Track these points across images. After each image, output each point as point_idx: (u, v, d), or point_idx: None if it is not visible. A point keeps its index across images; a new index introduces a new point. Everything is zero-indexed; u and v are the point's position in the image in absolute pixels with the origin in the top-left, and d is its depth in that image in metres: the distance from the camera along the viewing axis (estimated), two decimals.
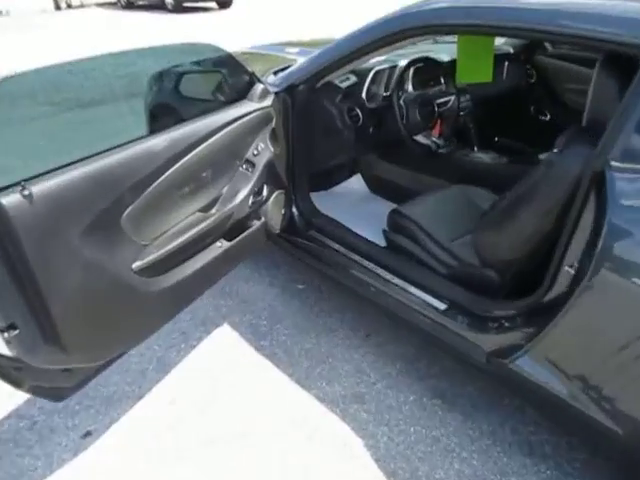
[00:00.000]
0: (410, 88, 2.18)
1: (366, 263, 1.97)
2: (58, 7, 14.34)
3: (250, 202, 1.79)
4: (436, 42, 2.65)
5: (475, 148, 2.37)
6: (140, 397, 1.88)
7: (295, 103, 1.94)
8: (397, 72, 2.21)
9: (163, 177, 1.44)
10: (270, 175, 1.86)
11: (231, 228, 1.75)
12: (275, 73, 2.31)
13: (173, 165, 1.47)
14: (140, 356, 2.03)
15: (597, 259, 1.22)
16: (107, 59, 1.76)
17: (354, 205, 2.50)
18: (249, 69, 1.86)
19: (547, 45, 2.72)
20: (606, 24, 1.27)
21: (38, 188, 1.10)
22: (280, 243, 2.21)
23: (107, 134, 1.95)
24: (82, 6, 14.61)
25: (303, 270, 2.45)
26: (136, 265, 1.39)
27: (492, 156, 2.31)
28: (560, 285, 1.40)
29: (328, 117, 2.05)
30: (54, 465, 1.64)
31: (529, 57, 2.75)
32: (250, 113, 1.72)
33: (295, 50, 2.76)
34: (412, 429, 1.74)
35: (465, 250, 1.87)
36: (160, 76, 2.37)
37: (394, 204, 2.52)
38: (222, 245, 1.73)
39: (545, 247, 1.60)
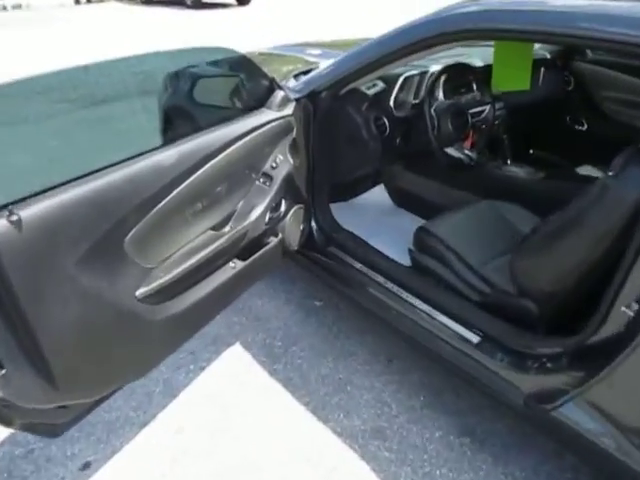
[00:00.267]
0: (441, 95, 2.02)
1: (389, 285, 1.82)
2: (77, 1, 14.32)
3: (267, 218, 1.66)
4: (467, 45, 2.49)
5: (508, 161, 2.20)
6: (145, 424, 1.75)
7: (317, 111, 1.80)
8: (428, 79, 2.05)
9: (173, 193, 1.31)
10: (289, 189, 1.72)
11: (246, 247, 1.62)
12: (296, 77, 2.17)
13: (184, 180, 1.33)
14: (146, 378, 1.90)
15: None
16: (121, 63, 1.68)
17: (377, 219, 2.35)
18: (268, 74, 1.72)
19: (587, 50, 2.55)
20: None
21: (28, 213, 0.97)
22: (297, 259, 2.07)
23: (120, 132, 1.85)
24: (102, 0, 14.57)
25: (321, 286, 2.31)
26: (140, 292, 1.26)
27: (527, 170, 2.14)
28: (615, 325, 1.24)
29: (353, 126, 1.90)
30: None
31: (567, 63, 2.57)
32: (269, 122, 1.58)
33: (317, 52, 2.62)
34: (438, 472, 1.59)
35: (499, 275, 1.71)
36: (176, 76, 2.24)
37: (420, 218, 2.38)
38: (236, 265, 1.59)
39: (593, 280, 1.44)
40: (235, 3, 13.14)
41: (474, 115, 2.06)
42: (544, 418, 1.36)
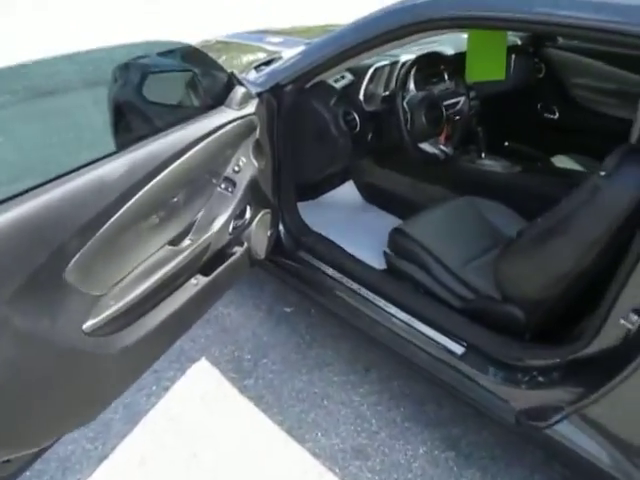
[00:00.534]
0: (412, 87, 1.90)
1: (364, 291, 1.71)
2: None
3: (231, 228, 1.50)
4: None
5: (483, 154, 2.10)
6: (104, 457, 1.60)
7: (282, 106, 1.64)
8: (399, 69, 1.92)
9: (124, 209, 1.14)
10: (254, 194, 1.57)
11: (209, 260, 1.47)
12: (257, 68, 2.01)
13: (136, 193, 1.16)
14: None
15: None
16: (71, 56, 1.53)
17: (347, 218, 2.22)
18: (227, 66, 1.56)
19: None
20: None
21: None
22: (265, 265, 1.92)
23: (67, 127, 1.67)
24: None
25: (291, 290, 2.17)
26: (88, 325, 1.10)
27: (503, 164, 2.04)
28: (612, 338, 1.16)
29: (321, 122, 1.75)
30: None
31: (537, 49, 2.48)
32: (229, 123, 1.42)
33: (278, 40, 2.45)
34: None
35: (481, 278, 1.62)
36: (126, 68, 2.04)
37: (392, 215, 2.27)
38: (198, 282, 1.44)
39: (584, 287, 1.36)
40: None
41: (448, 107, 1.94)
42: (538, 436, 1.28)
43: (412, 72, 1.85)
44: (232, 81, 1.48)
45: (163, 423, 1.70)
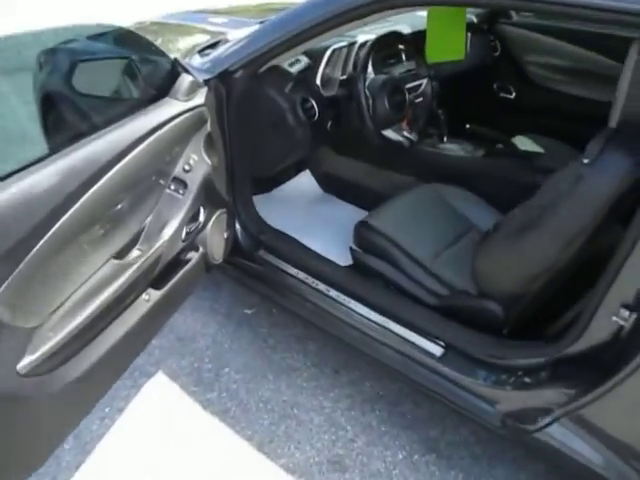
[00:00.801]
0: (370, 69, 1.78)
1: (331, 292, 1.60)
2: None
3: (184, 233, 1.35)
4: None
5: (445, 138, 2.02)
6: None
7: (232, 94, 1.49)
8: (356, 51, 1.79)
9: (58, 224, 0.97)
10: (208, 194, 1.42)
11: (161, 272, 1.31)
12: (200, 52, 1.83)
13: (73, 204, 1.00)
14: None
15: None
16: None
17: (307, 211, 2.10)
18: (168, 50, 1.39)
19: (512, 12, 2.40)
20: None
21: None
22: (223, 267, 1.78)
23: None
24: None
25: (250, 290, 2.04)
26: (24, 364, 0.93)
27: (465, 147, 1.97)
28: (601, 336, 1.10)
29: (276, 111, 1.61)
30: None
31: (492, 26, 2.41)
32: (176, 117, 1.25)
33: (222, 20, 2.26)
34: None
35: (453, 271, 1.55)
36: (52, 53, 1.82)
37: (353, 205, 2.16)
38: (150, 297, 1.29)
39: (564, 281, 1.30)
40: None
41: (411, 90, 1.84)
42: (526, 440, 1.22)
43: (371, 54, 1.73)
44: (176, 68, 1.31)
45: (117, 451, 1.54)
